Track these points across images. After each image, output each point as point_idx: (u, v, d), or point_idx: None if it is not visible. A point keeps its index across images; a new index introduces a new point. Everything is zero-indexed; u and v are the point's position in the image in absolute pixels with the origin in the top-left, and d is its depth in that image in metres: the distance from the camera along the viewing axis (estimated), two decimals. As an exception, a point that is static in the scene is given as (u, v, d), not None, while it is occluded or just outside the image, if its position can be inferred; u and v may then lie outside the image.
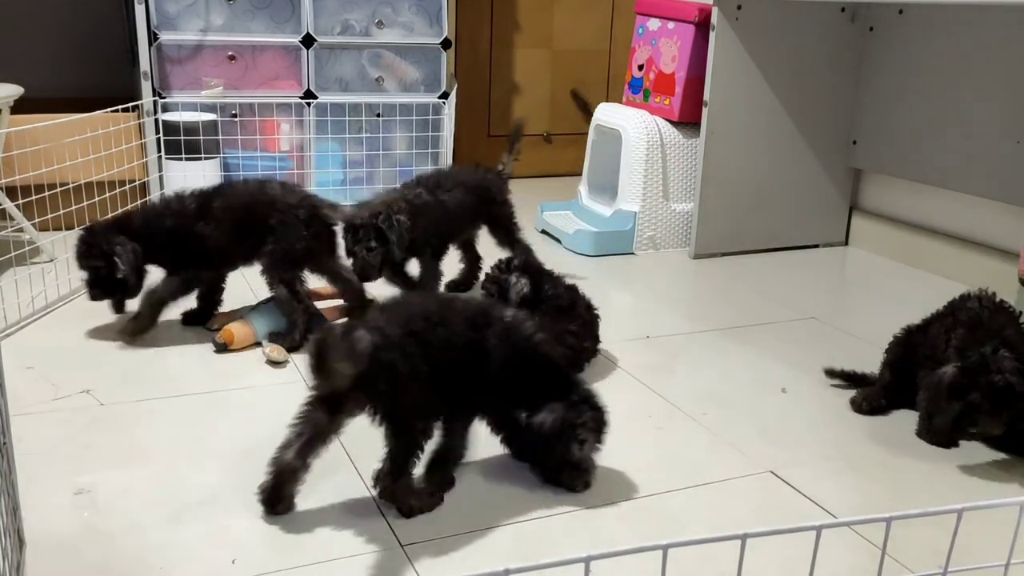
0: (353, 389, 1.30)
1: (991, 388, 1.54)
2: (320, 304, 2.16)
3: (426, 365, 1.33)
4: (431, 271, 2.23)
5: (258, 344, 2.00)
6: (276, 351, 1.93)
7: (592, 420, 1.45)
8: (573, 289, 1.93)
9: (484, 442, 1.58)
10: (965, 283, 2.58)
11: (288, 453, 1.35)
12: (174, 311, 2.09)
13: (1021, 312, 1.71)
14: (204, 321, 2.11)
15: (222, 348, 1.97)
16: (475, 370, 1.40)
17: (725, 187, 2.79)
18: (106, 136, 2.55)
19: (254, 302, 2.11)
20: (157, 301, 2.02)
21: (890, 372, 1.83)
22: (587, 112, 3.44)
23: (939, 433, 1.65)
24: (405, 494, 1.38)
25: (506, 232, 2.36)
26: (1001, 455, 1.66)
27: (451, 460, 1.49)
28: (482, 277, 2.08)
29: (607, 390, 1.71)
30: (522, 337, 1.44)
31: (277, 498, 1.37)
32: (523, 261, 1.91)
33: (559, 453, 1.43)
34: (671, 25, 2.91)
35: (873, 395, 1.82)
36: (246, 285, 2.27)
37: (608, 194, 2.98)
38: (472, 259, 2.44)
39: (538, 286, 1.85)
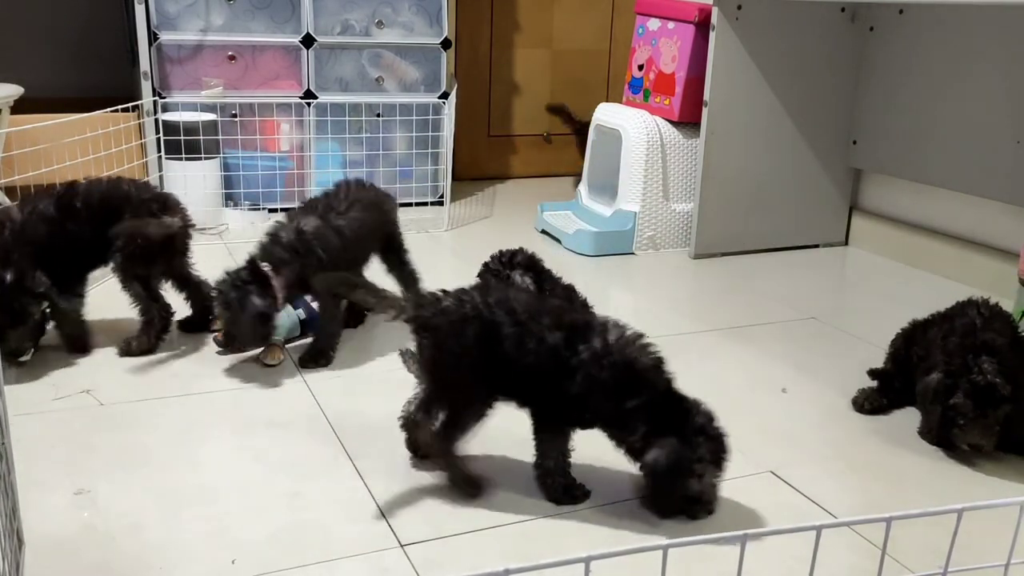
0: (416, 331, 1.41)
1: (973, 388, 1.55)
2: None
3: (479, 352, 1.36)
4: (332, 315, 1.97)
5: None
6: (270, 355, 1.93)
7: (709, 452, 1.36)
8: (570, 288, 1.93)
9: (483, 441, 1.58)
10: (965, 283, 2.59)
11: (409, 407, 1.52)
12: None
13: (1018, 321, 1.72)
14: (203, 328, 2.08)
15: (223, 346, 1.97)
16: (557, 382, 1.36)
17: (725, 187, 2.79)
18: (106, 136, 2.55)
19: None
20: (73, 317, 1.95)
21: (892, 364, 1.85)
22: (572, 121, 3.47)
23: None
24: (449, 461, 1.43)
25: (399, 257, 2.16)
26: (1001, 455, 1.66)
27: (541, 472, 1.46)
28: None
29: (607, 390, 1.71)
30: (623, 361, 1.35)
31: (413, 448, 1.54)
32: (527, 258, 1.90)
33: (677, 491, 1.37)
34: (671, 25, 2.91)
35: (874, 394, 1.82)
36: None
37: (608, 194, 2.98)
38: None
39: (540, 284, 1.85)
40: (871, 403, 1.81)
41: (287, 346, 2.02)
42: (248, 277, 1.82)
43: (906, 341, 1.83)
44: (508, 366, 1.36)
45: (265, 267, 1.84)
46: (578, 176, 3.49)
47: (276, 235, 1.90)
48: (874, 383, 1.87)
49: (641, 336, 1.39)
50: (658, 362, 1.38)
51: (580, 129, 3.45)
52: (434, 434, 1.42)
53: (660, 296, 2.50)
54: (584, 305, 1.92)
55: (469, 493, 1.44)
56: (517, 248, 1.92)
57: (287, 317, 2.01)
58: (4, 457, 1.17)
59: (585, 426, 1.42)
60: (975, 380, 1.55)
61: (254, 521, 1.37)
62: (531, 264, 1.88)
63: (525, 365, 1.36)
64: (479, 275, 1.91)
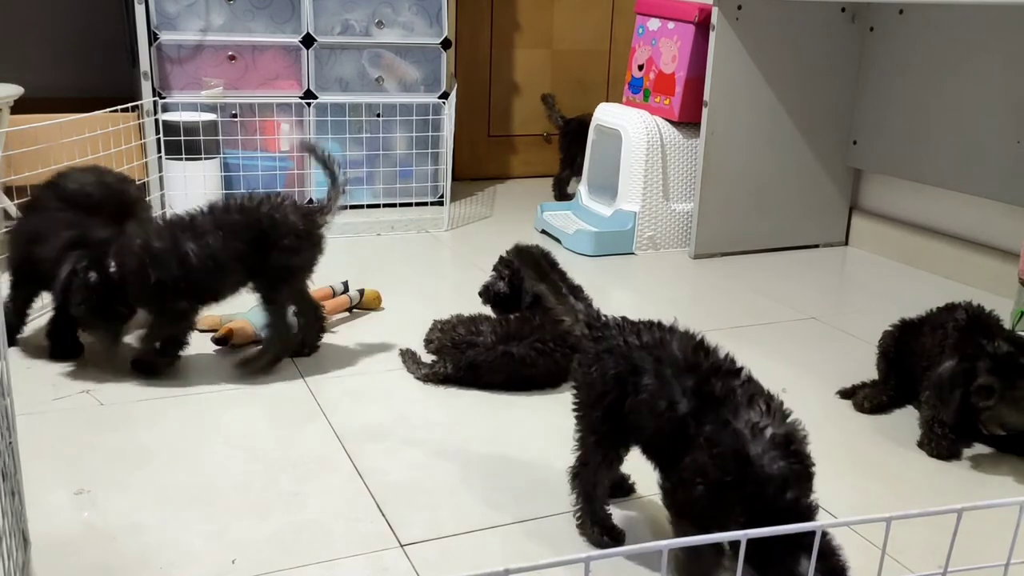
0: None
1: (994, 361, 1.54)
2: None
3: (613, 393, 1.23)
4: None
5: (258, 343, 2.00)
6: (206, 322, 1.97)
7: None
8: (578, 289, 1.93)
9: (484, 440, 1.58)
10: (965, 283, 2.59)
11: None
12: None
13: (1017, 321, 1.72)
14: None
15: (222, 343, 1.97)
16: (671, 444, 1.18)
17: (725, 187, 2.79)
18: (106, 136, 2.55)
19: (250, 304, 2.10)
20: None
21: (885, 362, 1.85)
22: (553, 114, 3.50)
23: (941, 442, 1.64)
24: (582, 500, 1.32)
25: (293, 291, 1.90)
26: (1001, 455, 1.66)
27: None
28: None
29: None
30: (740, 453, 1.11)
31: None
32: (539, 252, 1.90)
33: None
34: (671, 25, 2.91)
35: (874, 394, 1.82)
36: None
37: (608, 194, 2.98)
38: (308, 310, 1.97)
39: None
40: (871, 402, 1.81)
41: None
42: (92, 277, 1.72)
43: (896, 340, 1.83)
44: (638, 419, 1.22)
45: (112, 268, 1.75)
46: (553, 175, 3.52)
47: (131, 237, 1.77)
48: (869, 387, 1.87)
49: (792, 436, 1.16)
50: (791, 473, 1.11)
51: (563, 127, 3.45)
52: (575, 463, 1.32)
53: (660, 296, 2.50)
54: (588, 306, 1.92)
55: (595, 542, 1.30)
56: (534, 245, 1.94)
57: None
58: (11, 455, 1.17)
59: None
60: (993, 352, 1.54)
61: (254, 521, 1.37)
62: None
63: (650, 425, 1.20)
64: (494, 267, 1.95)
